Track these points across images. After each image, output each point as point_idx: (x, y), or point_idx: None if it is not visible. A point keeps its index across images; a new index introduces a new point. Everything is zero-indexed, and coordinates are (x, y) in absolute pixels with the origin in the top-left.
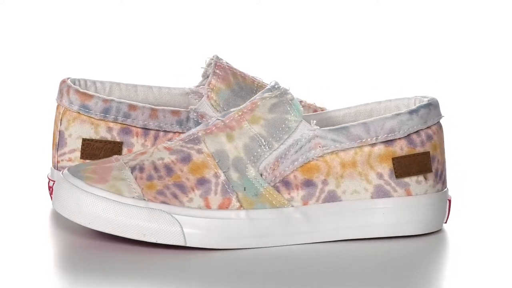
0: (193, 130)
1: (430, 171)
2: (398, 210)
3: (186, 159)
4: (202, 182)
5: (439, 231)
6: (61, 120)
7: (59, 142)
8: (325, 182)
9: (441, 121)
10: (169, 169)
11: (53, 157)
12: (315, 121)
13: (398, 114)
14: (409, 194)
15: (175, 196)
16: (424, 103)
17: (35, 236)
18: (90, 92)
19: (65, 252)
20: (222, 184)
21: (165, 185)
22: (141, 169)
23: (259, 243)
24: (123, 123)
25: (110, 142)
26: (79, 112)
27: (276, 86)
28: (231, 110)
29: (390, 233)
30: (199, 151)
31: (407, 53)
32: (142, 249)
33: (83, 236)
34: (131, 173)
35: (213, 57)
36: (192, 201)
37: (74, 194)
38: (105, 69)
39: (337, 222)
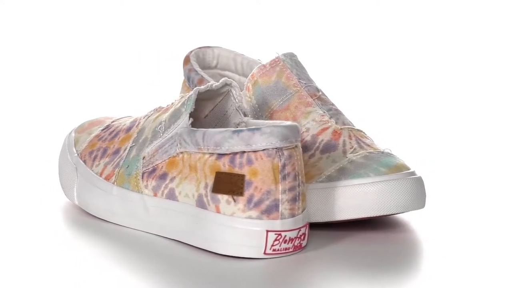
0: (160, 106)
1: (241, 195)
2: (207, 224)
3: (128, 129)
4: (116, 152)
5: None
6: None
7: None
8: (172, 179)
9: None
10: (115, 135)
11: None
12: (192, 119)
13: (226, 130)
14: (218, 211)
15: (94, 158)
16: (253, 127)
17: None
18: (192, 59)
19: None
20: (121, 157)
21: (99, 147)
22: (106, 129)
23: (118, 220)
24: None
25: None
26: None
27: (217, 83)
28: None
29: (202, 246)
30: (137, 125)
31: (405, 54)
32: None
33: None
34: (100, 130)
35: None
36: (98, 166)
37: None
38: None
39: (170, 221)
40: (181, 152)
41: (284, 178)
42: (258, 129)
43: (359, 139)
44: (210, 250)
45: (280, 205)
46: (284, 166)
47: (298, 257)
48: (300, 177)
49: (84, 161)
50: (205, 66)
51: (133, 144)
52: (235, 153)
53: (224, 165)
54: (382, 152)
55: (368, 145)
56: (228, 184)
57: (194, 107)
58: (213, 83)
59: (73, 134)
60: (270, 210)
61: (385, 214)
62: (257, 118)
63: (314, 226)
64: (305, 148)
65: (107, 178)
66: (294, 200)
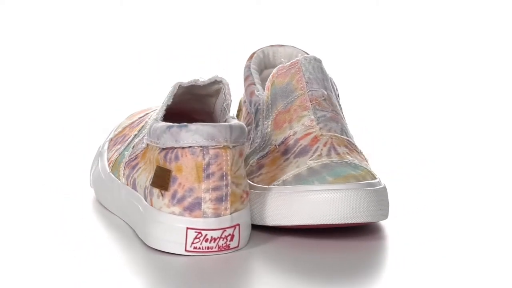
0: None
1: (166, 190)
2: (145, 217)
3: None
4: (126, 140)
5: None
6: None
7: None
8: (138, 170)
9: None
10: (140, 123)
11: None
12: (165, 111)
13: (163, 125)
14: (151, 204)
15: (114, 144)
16: (182, 124)
17: None
18: (256, 57)
19: None
20: (124, 145)
21: (123, 134)
22: (140, 118)
23: (108, 206)
24: None
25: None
26: None
27: (205, 79)
28: None
29: (141, 237)
30: (151, 115)
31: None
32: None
33: None
34: (137, 117)
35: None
36: (111, 152)
37: None
38: None
39: (133, 210)
40: (148, 144)
41: (208, 177)
42: (185, 126)
43: (334, 147)
44: (144, 242)
45: (202, 204)
46: (208, 165)
47: (222, 257)
48: (229, 178)
49: (108, 147)
50: (275, 65)
51: (137, 133)
52: (169, 148)
53: (161, 159)
54: (347, 162)
55: (338, 154)
56: (160, 178)
57: (171, 100)
58: (198, 78)
59: (122, 120)
60: (193, 208)
61: (322, 223)
62: (268, 118)
63: (264, 228)
64: (286, 151)
65: (109, 164)
66: (219, 200)
